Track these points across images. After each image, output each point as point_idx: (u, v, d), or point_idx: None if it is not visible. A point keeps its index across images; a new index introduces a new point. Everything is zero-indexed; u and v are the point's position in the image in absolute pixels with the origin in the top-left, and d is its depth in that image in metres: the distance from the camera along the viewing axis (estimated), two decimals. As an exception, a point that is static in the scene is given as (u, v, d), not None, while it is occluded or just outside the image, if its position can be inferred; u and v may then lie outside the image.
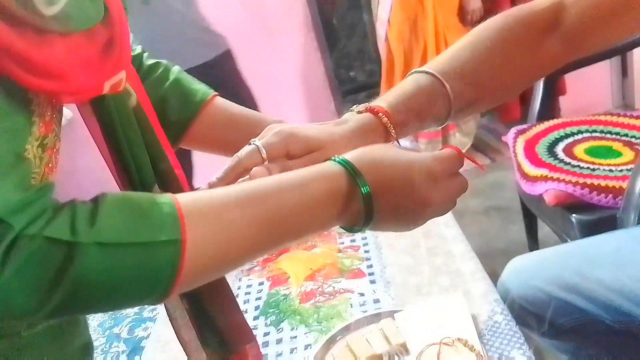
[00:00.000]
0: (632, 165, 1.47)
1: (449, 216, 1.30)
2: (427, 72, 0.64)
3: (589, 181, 1.40)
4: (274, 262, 1.31)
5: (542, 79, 1.89)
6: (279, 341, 1.03)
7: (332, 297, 1.12)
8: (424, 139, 2.95)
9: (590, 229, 1.34)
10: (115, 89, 0.55)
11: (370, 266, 1.20)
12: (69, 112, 0.64)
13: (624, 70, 3.21)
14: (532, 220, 1.94)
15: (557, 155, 1.61)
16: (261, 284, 1.24)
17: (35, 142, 0.48)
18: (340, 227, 0.56)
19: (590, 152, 1.60)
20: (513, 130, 1.83)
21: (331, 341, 0.95)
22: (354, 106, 0.63)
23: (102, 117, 0.57)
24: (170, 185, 0.65)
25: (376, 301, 1.07)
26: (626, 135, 1.66)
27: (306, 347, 0.99)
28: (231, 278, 1.29)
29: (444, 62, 0.66)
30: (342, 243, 1.32)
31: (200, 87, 0.76)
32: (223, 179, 0.58)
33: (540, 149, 1.67)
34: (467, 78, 0.65)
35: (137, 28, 2.12)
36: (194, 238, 0.45)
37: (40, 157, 0.49)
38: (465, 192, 0.57)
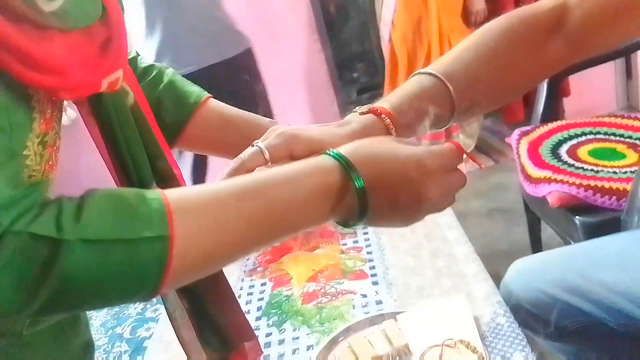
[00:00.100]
0: (636, 167, 1.46)
1: (451, 218, 1.30)
2: (430, 74, 0.64)
3: (592, 183, 1.40)
4: (276, 263, 1.31)
5: (546, 80, 1.88)
6: (281, 342, 1.03)
7: (334, 298, 1.12)
8: (427, 140, 2.95)
9: (594, 231, 1.34)
10: (112, 87, 0.55)
11: (373, 267, 1.19)
12: (72, 112, 0.65)
13: (629, 72, 3.20)
14: (535, 222, 1.93)
15: (560, 157, 1.61)
16: (264, 284, 1.24)
17: (36, 139, 0.49)
18: (335, 221, 0.55)
19: (594, 153, 1.60)
20: (516, 131, 1.83)
21: (333, 342, 0.95)
22: (357, 107, 0.63)
23: (100, 116, 0.58)
24: (169, 183, 0.65)
25: (378, 302, 1.07)
26: (630, 137, 1.65)
27: (308, 348, 0.99)
28: (234, 279, 1.29)
29: (448, 64, 0.66)
30: (345, 244, 1.32)
31: (194, 89, 0.77)
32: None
33: (544, 150, 1.67)
34: (471, 79, 0.65)
35: (162, 22, 2.14)
36: (182, 234, 0.44)
37: (40, 154, 0.50)
38: (468, 194, 0.57)
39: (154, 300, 0.72)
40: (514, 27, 0.68)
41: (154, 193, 0.46)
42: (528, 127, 1.84)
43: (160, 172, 0.64)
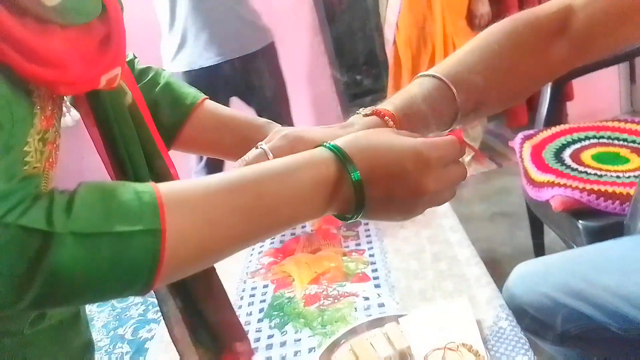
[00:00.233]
0: (639, 172, 1.46)
1: (454, 221, 1.30)
2: (434, 76, 0.64)
3: (595, 187, 1.40)
4: (278, 265, 1.31)
5: (550, 84, 1.88)
6: (282, 344, 1.03)
7: (336, 300, 1.12)
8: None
9: (597, 236, 1.33)
10: (110, 83, 0.56)
11: (375, 270, 1.19)
12: (77, 113, 0.66)
13: (632, 76, 3.20)
14: (538, 226, 1.93)
15: (564, 161, 1.61)
16: (266, 286, 1.24)
17: (36, 136, 0.49)
18: (332, 215, 0.54)
19: (597, 158, 1.59)
20: (520, 135, 1.82)
21: (335, 345, 0.95)
22: (360, 109, 0.63)
23: (98, 115, 0.58)
24: (165, 182, 0.65)
25: (381, 305, 1.07)
26: (634, 141, 1.65)
27: (310, 350, 0.99)
28: (236, 280, 1.29)
29: (451, 66, 0.66)
30: (347, 247, 1.32)
31: (190, 91, 0.77)
32: None
33: (547, 154, 1.66)
34: (474, 82, 0.64)
35: (184, 15, 2.18)
36: (174, 227, 0.44)
37: (40, 151, 0.50)
38: (472, 197, 0.56)
39: (155, 301, 0.72)
40: (518, 30, 0.68)
41: (146, 186, 0.46)
42: (531, 131, 1.83)
43: (157, 171, 0.64)
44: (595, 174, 1.48)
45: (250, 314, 1.14)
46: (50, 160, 0.53)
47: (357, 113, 0.63)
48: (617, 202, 1.35)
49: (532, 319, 0.98)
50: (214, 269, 0.70)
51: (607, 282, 0.91)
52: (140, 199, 0.44)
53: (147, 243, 0.43)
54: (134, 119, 0.61)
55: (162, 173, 0.65)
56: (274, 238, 1.44)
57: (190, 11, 2.06)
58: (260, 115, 0.80)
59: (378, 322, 0.97)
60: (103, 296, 0.46)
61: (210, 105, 0.77)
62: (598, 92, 3.09)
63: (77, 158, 1.71)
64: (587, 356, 1.02)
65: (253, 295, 1.21)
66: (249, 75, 2.16)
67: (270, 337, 1.06)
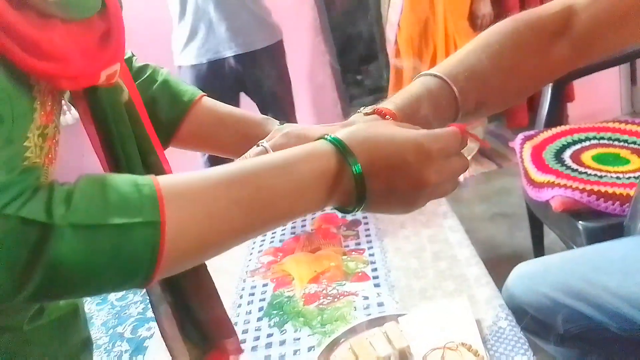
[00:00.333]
0: (639, 173, 1.46)
1: (454, 221, 1.30)
2: (435, 75, 0.64)
3: (596, 188, 1.40)
4: (278, 264, 1.31)
5: (550, 85, 1.88)
6: (282, 343, 1.03)
7: (336, 299, 1.12)
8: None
9: (597, 236, 1.33)
10: (110, 79, 0.56)
11: (375, 269, 1.19)
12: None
13: (633, 78, 3.20)
14: (538, 227, 1.93)
15: (564, 161, 1.61)
16: (265, 285, 1.24)
17: (36, 131, 0.49)
18: (333, 207, 0.54)
19: (597, 159, 1.59)
20: (520, 136, 1.82)
21: (335, 343, 0.95)
22: (362, 108, 0.63)
23: (95, 111, 0.58)
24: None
25: (380, 304, 1.07)
26: (634, 142, 1.65)
27: (309, 349, 0.99)
28: (235, 279, 1.29)
29: (452, 65, 0.66)
30: (347, 246, 1.32)
31: (187, 88, 0.78)
32: None
33: (548, 155, 1.66)
34: (475, 81, 0.65)
35: (193, 7, 2.22)
36: (173, 220, 0.44)
37: (40, 146, 0.50)
38: (472, 198, 0.56)
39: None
40: (520, 30, 0.68)
41: (146, 179, 0.46)
42: (532, 132, 1.83)
43: (152, 167, 0.64)
44: (596, 175, 1.48)
45: (250, 312, 1.14)
46: (50, 155, 0.53)
47: (359, 112, 0.63)
48: (617, 203, 1.35)
49: (531, 319, 0.98)
50: (204, 265, 0.70)
51: (607, 283, 0.91)
52: (140, 191, 0.44)
53: (147, 235, 0.43)
54: (130, 116, 0.61)
55: (156, 169, 0.65)
56: (273, 237, 1.44)
57: (201, 3, 2.07)
58: (264, 113, 0.80)
59: (377, 322, 0.97)
60: (103, 288, 0.46)
61: (208, 102, 0.77)
62: (599, 93, 3.09)
63: (77, 156, 1.71)
64: (586, 356, 1.02)
65: (253, 294, 1.21)
66: (256, 71, 2.17)
67: (269, 335, 1.06)
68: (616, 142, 1.68)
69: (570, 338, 0.96)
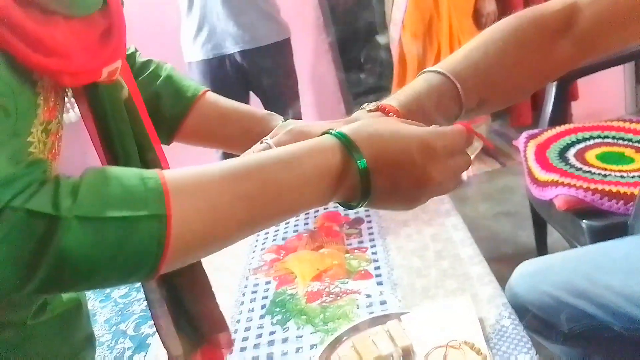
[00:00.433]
0: (644, 172, 1.46)
1: (457, 219, 1.30)
2: (438, 72, 0.64)
3: (600, 187, 1.39)
4: (281, 262, 1.31)
5: (555, 83, 1.88)
6: (284, 340, 1.03)
7: (338, 297, 1.12)
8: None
9: (601, 235, 1.33)
10: (111, 76, 0.57)
11: (378, 268, 1.19)
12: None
13: (638, 77, 3.19)
14: (541, 226, 1.93)
15: (568, 160, 1.60)
16: (268, 283, 1.24)
17: (39, 126, 0.50)
18: (337, 203, 0.54)
19: (601, 157, 1.59)
20: (524, 134, 1.82)
21: (337, 341, 0.95)
22: (365, 104, 0.63)
23: (95, 108, 0.59)
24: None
25: (383, 303, 1.07)
26: (638, 141, 1.64)
27: (312, 346, 0.99)
28: (238, 277, 1.29)
29: (456, 62, 0.65)
30: (350, 244, 1.32)
31: (191, 83, 0.78)
32: None
33: (552, 154, 1.66)
34: (479, 78, 0.64)
35: (200, 1, 2.22)
36: (179, 213, 0.44)
37: (44, 142, 0.50)
38: (475, 197, 0.56)
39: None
40: (523, 27, 0.68)
41: (152, 172, 0.46)
42: (536, 130, 1.83)
43: (150, 164, 0.64)
44: (600, 174, 1.48)
45: (252, 310, 1.14)
46: (53, 151, 0.54)
47: (362, 108, 0.63)
48: (622, 201, 1.34)
49: (534, 318, 0.98)
50: (199, 261, 0.71)
51: (610, 282, 0.91)
52: (146, 184, 0.44)
53: (153, 229, 0.43)
54: (129, 113, 0.62)
55: (154, 166, 0.65)
56: (276, 235, 1.44)
57: None
58: (268, 109, 0.80)
59: (380, 320, 0.97)
60: (109, 280, 0.46)
61: (212, 97, 0.78)
62: (603, 92, 3.08)
63: (80, 154, 1.71)
64: (590, 355, 1.02)
65: (255, 292, 1.21)
66: (262, 68, 2.18)
67: (272, 333, 1.06)
68: (620, 141, 1.67)
69: (573, 337, 0.96)
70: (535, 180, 1.58)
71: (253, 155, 0.51)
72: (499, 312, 0.94)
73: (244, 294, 1.21)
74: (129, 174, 0.45)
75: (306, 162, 0.50)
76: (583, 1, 0.68)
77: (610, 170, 1.50)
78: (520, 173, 1.81)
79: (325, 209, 1.51)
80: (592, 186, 1.40)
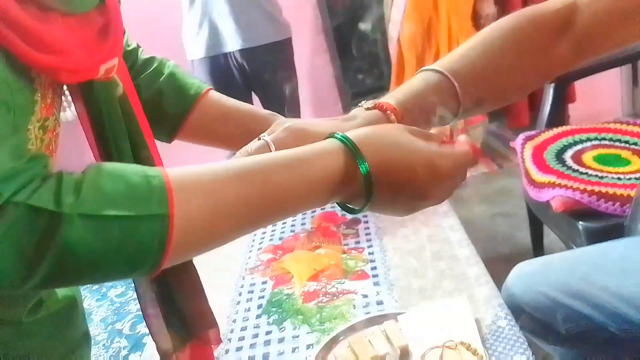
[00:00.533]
0: (640, 174, 1.46)
1: (454, 220, 1.30)
2: (436, 71, 0.64)
3: (596, 188, 1.39)
4: (277, 262, 1.31)
5: (552, 85, 1.88)
6: (281, 340, 1.03)
7: (335, 297, 1.12)
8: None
9: (597, 237, 1.33)
10: (108, 73, 0.57)
11: (375, 268, 1.19)
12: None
13: (635, 79, 3.20)
14: (538, 227, 1.93)
15: (565, 162, 1.60)
16: (264, 282, 1.24)
17: (37, 123, 0.50)
18: (337, 205, 0.55)
19: (598, 159, 1.59)
20: (521, 136, 1.82)
21: (333, 341, 0.95)
22: (363, 102, 0.63)
23: (90, 105, 0.59)
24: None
25: (379, 303, 1.07)
26: (635, 143, 1.65)
27: (308, 346, 0.99)
28: (235, 276, 1.28)
29: (454, 61, 0.65)
30: (347, 244, 1.32)
31: (194, 81, 0.78)
32: None
33: (549, 155, 1.66)
34: (476, 77, 0.65)
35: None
36: (182, 212, 0.44)
37: (41, 138, 0.51)
38: (472, 198, 0.57)
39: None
40: (522, 26, 0.68)
41: (155, 170, 0.46)
42: (533, 132, 1.83)
43: (143, 162, 0.64)
44: (596, 176, 1.48)
45: (249, 310, 1.14)
46: (50, 148, 0.54)
47: (360, 106, 0.63)
48: (618, 203, 1.35)
49: (530, 319, 0.98)
50: (190, 259, 0.71)
51: (606, 283, 0.91)
52: (149, 183, 0.44)
53: (155, 227, 0.43)
54: (123, 110, 0.62)
55: (147, 164, 0.65)
56: (273, 235, 1.44)
57: None
58: (267, 108, 0.80)
59: (377, 320, 0.97)
60: (111, 276, 0.46)
61: (215, 95, 0.78)
62: (600, 94, 3.09)
63: (77, 153, 1.71)
64: (586, 356, 1.02)
65: (252, 292, 1.21)
66: (262, 67, 2.18)
67: (268, 333, 1.06)
68: (617, 143, 1.68)
69: (570, 338, 0.96)
70: (532, 182, 1.58)
71: (258, 157, 0.52)
72: (495, 312, 0.94)
73: (240, 294, 1.21)
74: (132, 171, 0.45)
75: (311, 166, 0.51)
76: (582, 1, 0.68)
77: (607, 172, 1.50)
78: (517, 174, 1.81)
79: (322, 209, 1.51)
80: (589, 188, 1.40)
